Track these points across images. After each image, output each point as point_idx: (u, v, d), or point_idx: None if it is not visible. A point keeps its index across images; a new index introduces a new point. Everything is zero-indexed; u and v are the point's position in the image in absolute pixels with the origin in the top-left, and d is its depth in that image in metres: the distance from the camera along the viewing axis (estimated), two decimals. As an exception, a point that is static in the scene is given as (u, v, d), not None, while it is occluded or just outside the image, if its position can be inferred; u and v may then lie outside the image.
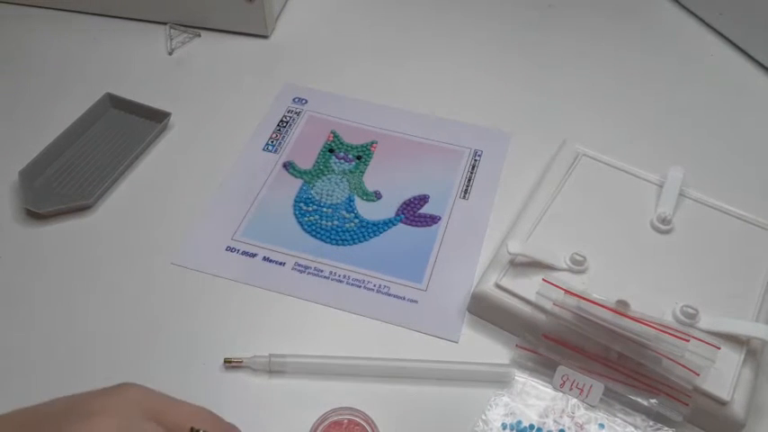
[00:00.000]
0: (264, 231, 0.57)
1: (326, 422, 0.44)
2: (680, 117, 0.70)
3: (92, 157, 0.61)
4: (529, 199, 0.57)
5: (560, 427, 0.46)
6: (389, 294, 0.53)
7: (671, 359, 0.45)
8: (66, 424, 0.27)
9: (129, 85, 0.67)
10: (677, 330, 0.45)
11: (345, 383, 0.48)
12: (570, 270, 0.51)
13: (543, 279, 0.48)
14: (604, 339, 0.46)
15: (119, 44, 0.73)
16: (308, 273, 0.54)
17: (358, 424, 0.44)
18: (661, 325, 0.45)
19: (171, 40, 0.74)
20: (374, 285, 0.54)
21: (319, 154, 0.63)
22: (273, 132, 0.65)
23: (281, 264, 0.55)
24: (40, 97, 0.67)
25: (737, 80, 0.75)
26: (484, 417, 0.46)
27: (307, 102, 0.68)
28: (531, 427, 0.46)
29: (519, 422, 0.46)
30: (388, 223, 0.58)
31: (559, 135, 0.63)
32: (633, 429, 0.46)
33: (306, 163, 0.62)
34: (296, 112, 0.67)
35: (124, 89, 0.66)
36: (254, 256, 0.55)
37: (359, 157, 0.63)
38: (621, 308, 0.46)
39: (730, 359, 0.47)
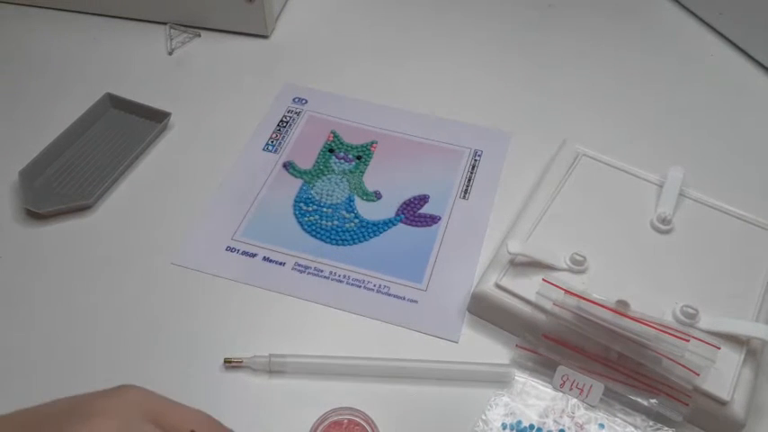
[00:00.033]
0: (264, 231, 0.57)
1: (326, 422, 0.44)
2: (680, 117, 0.70)
3: (92, 157, 0.61)
4: (529, 199, 0.57)
5: (560, 427, 0.46)
6: (389, 294, 0.53)
7: (671, 359, 0.45)
8: (67, 425, 0.27)
9: (129, 85, 0.67)
10: (677, 330, 0.45)
11: (345, 383, 0.48)
12: (570, 270, 0.51)
13: (543, 279, 0.48)
14: (604, 339, 0.46)
15: (119, 44, 0.73)
16: (308, 273, 0.54)
17: (358, 424, 0.44)
18: (661, 325, 0.45)
19: (171, 40, 0.74)
20: (374, 285, 0.54)
21: (319, 154, 0.63)
22: (273, 132, 0.65)
23: (281, 264, 0.55)
24: (40, 97, 0.67)
25: (737, 80, 0.75)
26: (484, 417, 0.46)
27: (307, 102, 0.68)
28: (531, 427, 0.46)
29: (519, 422, 0.46)
30: (388, 223, 0.58)
31: (559, 135, 0.63)
32: (633, 429, 0.46)
33: (306, 163, 0.62)
34: (296, 112, 0.67)
35: (124, 89, 0.66)
36: (254, 256, 0.55)
37: (359, 157, 0.63)
38: (621, 308, 0.46)
39: (730, 359, 0.47)
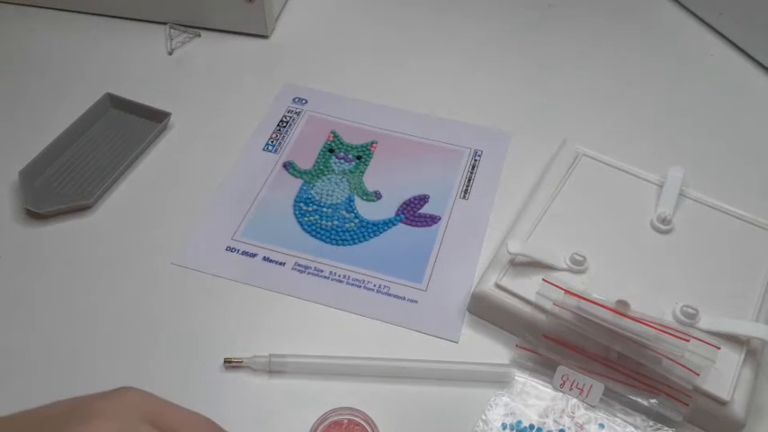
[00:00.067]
0: (264, 231, 0.57)
1: (326, 422, 0.44)
2: (680, 117, 0.70)
3: (92, 157, 0.61)
4: (529, 199, 0.57)
5: (560, 427, 0.46)
6: (389, 294, 0.53)
7: (671, 359, 0.45)
8: (67, 427, 0.27)
9: (129, 85, 0.67)
10: (677, 330, 0.45)
11: (345, 383, 0.48)
12: (570, 270, 0.51)
13: (543, 279, 0.48)
14: (604, 339, 0.46)
15: (119, 44, 0.73)
16: (308, 273, 0.54)
17: (358, 424, 0.44)
18: (661, 325, 0.45)
19: (171, 40, 0.74)
20: (374, 285, 0.54)
21: (319, 154, 0.63)
22: (273, 132, 0.65)
23: (281, 264, 0.55)
24: (40, 97, 0.67)
25: (737, 80, 0.75)
26: (484, 417, 0.46)
27: (307, 102, 0.68)
28: (531, 427, 0.46)
29: (519, 422, 0.46)
30: (388, 223, 0.58)
31: (559, 135, 0.63)
32: (633, 429, 0.46)
33: (306, 163, 0.62)
34: (296, 112, 0.67)
35: (124, 89, 0.66)
36: (254, 256, 0.55)
37: (359, 157, 0.63)
38: (621, 308, 0.46)
39: (730, 359, 0.47)
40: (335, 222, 0.58)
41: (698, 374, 0.44)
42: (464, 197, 0.60)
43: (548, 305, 0.47)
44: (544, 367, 0.48)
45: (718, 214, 0.56)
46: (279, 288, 0.53)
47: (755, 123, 0.70)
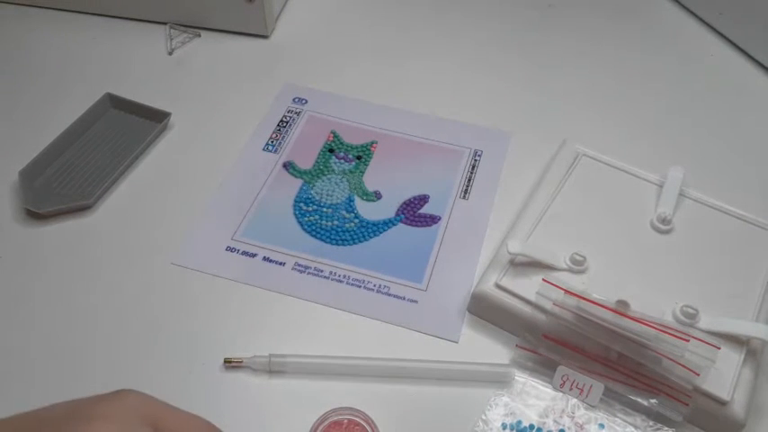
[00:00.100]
0: (264, 231, 0.57)
1: (326, 422, 0.44)
2: (680, 117, 0.70)
3: (92, 157, 0.61)
4: (529, 199, 0.57)
5: (560, 427, 0.46)
6: (389, 294, 0.53)
7: (671, 359, 0.45)
8: (66, 429, 0.27)
9: (129, 85, 0.67)
10: (677, 330, 0.45)
11: (345, 383, 0.48)
12: (570, 270, 0.51)
13: (543, 279, 0.48)
14: (604, 339, 0.46)
15: (119, 44, 0.73)
16: (308, 273, 0.54)
17: (358, 424, 0.44)
18: (661, 325, 0.45)
19: (171, 40, 0.74)
20: (374, 285, 0.54)
21: (319, 154, 0.63)
22: (273, 132, 0.65)
23: (281, 264, 0.55)
24: (40, 97, 0.67)
25: (737, 80, 0.75)
26: (484, 417, 0.46)
27: (307, 102, 0.68)
28: (531, 427, 0.46)
29: (519, 422, 0.46)
30: (388, 223, 0.58)
31: (559, 135, 0.63)
32: (633, 429, 0.46)
33: (306, 163, 0.62)
34: (296, 112, 0.67)
35: (124, 89, 0.66)
36: (254, 256, 0.55)
37: (359, 157, 0.63)
38: (621, 308, 0.46)
39: (730, 359, 0.47)
40: (335, 222, 0.58)
41: (698, 374, 0.44)
42: (464, 197, 0.60)
43: (548, 305, 0.47)
44: (544, 367, 0.48)
45: (718, 214, 0.56)
46: (279, 288, 0.53)
47: (755, 123, 0.70)
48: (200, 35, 0.75)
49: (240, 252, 0.55)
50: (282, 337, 0.50)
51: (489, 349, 0.50)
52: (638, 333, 0.45)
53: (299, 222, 0.58)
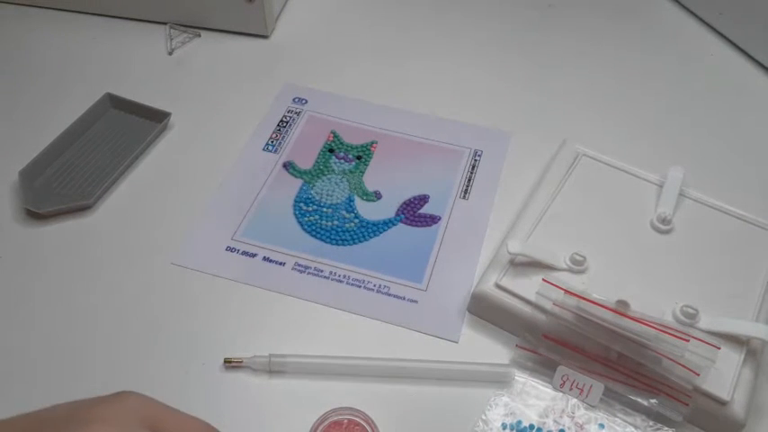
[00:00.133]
0: (264, 231, 0.57)
1: (326, 422, 0.44)
2: (680, 117, 0.70)
3: (92, 157, 0.61)
4: (529, 199, 0.57)
5: (560, 427, 0.46)
6: (389, 294, 0.53)
7: (671, 359, 0.45)
8: (66, 430, 0.27)
9: (129, 85, 0.67)
10: (677, 330, 0.45)
11: (345, 383, 0.48)
12: (570, 270, 0.51)
13: (543, 279, 0.48)
14: (604, 339, 0.46)
15: (119, 44, 0.73)
16: (308, 273, 0.54)
17: (358, 424, 0.44)
18: (661, 325, 0.45)
19: (171, 40, 0.74)
20: (374, 285, 0.54)
21: (319, 154, 0.63)
22: (273, 132, 0.65)
23: (281, 264, 0.55)
24: (40, 97, 0.67)
25: (737, 80, 0.75)
26: (484, 417, 0.46)
27: (307, 102, 0.68)
28: (531, 427, 0.46)
29: (519, 422, 0.46)
30: (388, 223, 0.58)
31: (559, 135, 0.63)
32: (633, 429, 0.46)
33: (306, 163, 0.62)
34: (296, 112, 0.67)
35: (124, 89, 0.66)
36: (254, 256, 0.55)
37: (359, 157, 0.63)
38: (621, 308, 0.46)
39: (730, 359, 0.47)
40: (335, 222, 0.58)
41: (698, 374, 0.44)
42: (464, 197, 0.60)
43: (548, 305, 0.47)
44: (544, 367, 0.48)
45: (718, 214, 0.56)
46: (279, 288, 0.53)
47: (755, 123, 0.70)
48: (200, 35, 0.75)
49: (240, 252, 0.55)
50: (282, 337, 0.50)
51: (489, 349, 0.50)
52: (638, 333, 0.45)
53: (299, 222, 0.58)
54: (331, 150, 0.64)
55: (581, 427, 0.46)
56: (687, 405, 0.45)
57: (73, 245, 0.55)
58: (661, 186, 0.57)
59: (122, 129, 0.64)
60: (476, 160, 0.64)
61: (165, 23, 0.75)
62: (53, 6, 0.76)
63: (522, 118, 0.68)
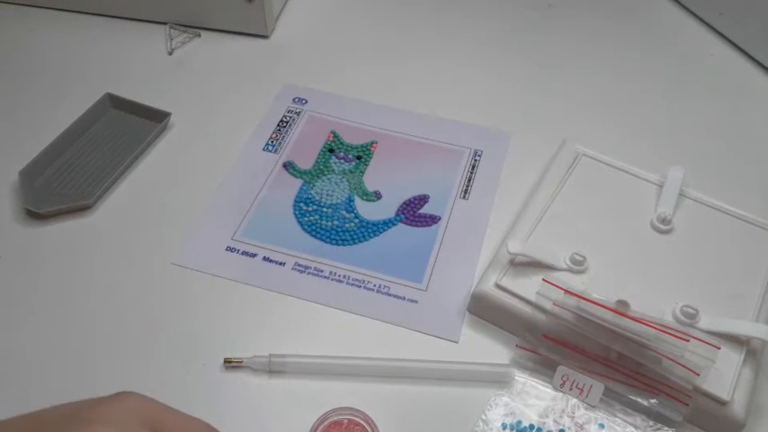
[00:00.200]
0: (264, 231, 0.57)
1: (326, 422, 0.44)
2: (680, 117, 0.70)
3: (92, 157, 0.61)
4: (529, 199, 0.57)
5: (560, 427, 0.46)
6: (389, 294, 0.53)
7: (671, 359, 0.45)
8: (67, 431, 0.27)
9: (129, 85, 0.67)
10: (677, 330, 0.45)
11: (345, 383, 0.48)
12: (570, 270, 0.51)
13: (543, 279, 0.48)
14: (604, 339, 0.46)
15: (119, 44, 0.73)
16: (308, 273, 0.54)
17: (358, 424, 0.44)
18: (661, 325, 0.45)
19: (171, 40, 0.74)
20: (374, 285, 0.54)
21: (319, 154, 0.63)
22: (273, 132, 0.65)
23: (281, 264, 0.55)
24: (40, 97, 0.67)
25: (737, 80, 0.75)
26: (484, 417, 0.46)
27: (307, 102, 0.68)
28: (531, 427, 0.46)
29: (519, 422, 0.46)
30: (388, 223, 0.58)
31: (559, 135, 0.63)
32: (633, 429, 0.46)
33: (306, 163, 0.62)
34: (296, 112, 0.67)
35: (124, 89, 0.66)
36: (254, 256, 0.55)
37: (359, 157, 0.63)
38: (621, 308, 0.46)
39: (730, 359, 0.47)
40: (335, 222, 0.58)
41: (698, 374, 0.44)
42: (464, 197, 0.60)
43: (548, 305, 0.47)
44: (544, 367, 0.48)
45: (718, 214, 0.56)
46: (279, 288, 0.53)
47: (755, 123, 0.70)
48: (200, 35, 0.75)
49: (240, 252, 0.55)
50: (282, 337, 0.50)
51: (489, 349, 0.50)
52: (638, 333, 0.45)
53: (299, 222, 0.58)
54: (331, 150, 0.64)
55: (581, 427, 0.46)
56: (687, 405, 0.45)
57: (73, 245, 0.55)
58: (661, 186, 0.57)
59: (122, 129, 0.64)
60: (476, 160, 0.64)
61: (165, 23, 0.75)
62: (53, 6, 0.76)
63: (522, 118, 0.68)
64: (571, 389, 0.47)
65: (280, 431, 0.45)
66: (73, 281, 0.53)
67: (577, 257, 0.51)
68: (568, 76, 0.74)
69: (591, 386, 0.47)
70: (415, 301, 0.53)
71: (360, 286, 0.53)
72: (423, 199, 0.60)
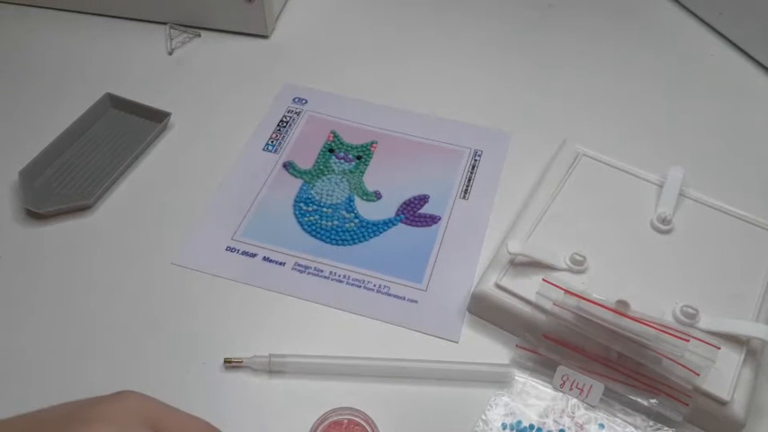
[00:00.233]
0: (264, 231, 0.57)
1: (326, 422, 0.44)
2: (680, 117, 0.70)
3: (92, 157, 0.61)
4: (529, 199, 0.57)
5: (560, 427, 0.46)
6: (389, 294, 0.53)
7: (671, 359, 0.45)
8: (67, 430, 0.27)
9: (129, 85, 0.67)
10: (677, 330, 0.45)
11: (345, 383, 0.48)
12: (570, 270, 0.51)
13: (543, 279, 0.48)
14: (604, 339, 0.46)
15: (119, 44, 0.73)
16: (308, 273, 0.54)
17: (358, 424, 0.44)
18: (661, 325, 0.45)
19: (171, 40, 0.74)
20: (374, 285, 0.54)
21: (319, 154, 0.63)
22: (273, 132, 0.65)
23: (281, 264, 0.55)
24: (40, 97, 0.67)
25: (737, 80, 0.75)
26: (484, 417, 0.46)
27: (307, 102, 0.68)
28: (531, 427, 0.46)
29: (519, 422, 0.46)
30: (388, 223, 0.58)
31: (559, 135, 0.63)
32: (633, 429, 0.46)
33: (306, 163, 0.62)
34: (296, 112, 0.67)
35: (124, 89, 0.66)
36: (254, 256, 0.55)
37: (359, 157, 0.63)
38: (621, 308, 0.46)
39: (730, 359, 0.47)
40: (335, 222, 0.58)
41: (698, 374, 0.44)
42: (464, 197, 0.60)
43: (548, 305, 0.47)
44: (544, 367, 0.48)
45: (718, 214, 0.56)
46: (279, 288, 0.53)
47: (755, 123, 0.70)
48: (200, 35, 0.75)
49: (240, 252, 0.55)
50: (282, 337, 0.50)
51: (489, 349, 0.50)
52: (638, 333, 0.45)
53: (299, 222, 0.58)
54: (331, 150, 0.64)
55: (581, 427, 0.46)
56: (687, 405, 0.45)
57: (73, 245, 0.55)
58: (661, 186, 0.57)
59: (122, 129, 0.64)
60: (476, 160, 0.64)
61: (165, 23, 0.75)
62: (53, 6, 0.76)
63: (522, 118, 0.68)
64: (571, 389, 0.47)
65: (280, 431, 0.45)
66: (73, 281, 0.53)
67: (577, 257, 0.51)
68: (568, 76, 0.74)
69: (591, 386, 0.47)
70: (415, 301, 0.53)
71: (360, 286, 0.53)
72: (423, 199, 0.60)
